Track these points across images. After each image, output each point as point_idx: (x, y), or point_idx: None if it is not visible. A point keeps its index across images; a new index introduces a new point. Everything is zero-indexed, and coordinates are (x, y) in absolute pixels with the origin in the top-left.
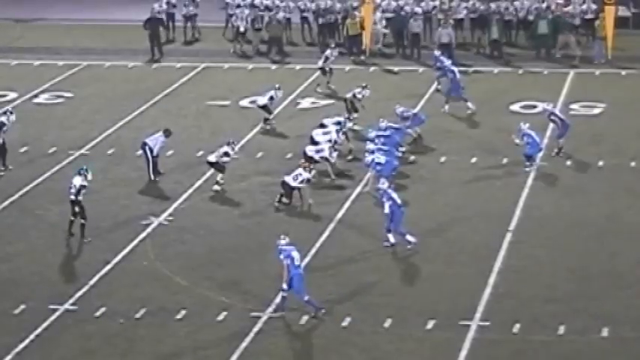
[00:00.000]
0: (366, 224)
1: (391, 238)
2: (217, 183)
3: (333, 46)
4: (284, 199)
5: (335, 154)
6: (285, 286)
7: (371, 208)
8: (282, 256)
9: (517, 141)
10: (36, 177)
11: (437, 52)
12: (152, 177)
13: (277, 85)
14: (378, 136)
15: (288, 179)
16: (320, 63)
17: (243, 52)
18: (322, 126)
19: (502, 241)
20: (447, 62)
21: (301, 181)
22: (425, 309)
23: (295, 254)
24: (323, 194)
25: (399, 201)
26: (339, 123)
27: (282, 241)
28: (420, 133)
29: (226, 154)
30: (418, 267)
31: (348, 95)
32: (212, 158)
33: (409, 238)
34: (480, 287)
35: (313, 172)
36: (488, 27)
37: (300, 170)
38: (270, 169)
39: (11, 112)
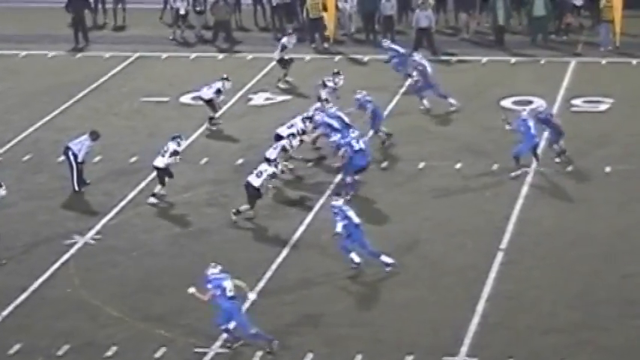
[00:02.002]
0: (331, 243)
1: (355, 258)
2: (154, 195)
3: (290, 32)
4: (243, 208)
5: (295, 141)
6: (220, 321)
7: (334, 224)
8: (210, 286)
9: (508, 127)
10: None
11: (386, 42)
12: (77, 188)
13: (225, 76)
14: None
15: (251, 178)
16: (277, 53)
17: (184, 39)
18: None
19: (492, 262)
20: (402, 50)
21: (266, 178)
22: (402, 342)
23: (227, 284)
24: (280, 208)
25: (356, 220)
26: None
27: (213, 270)
28: (389, 132)
29: (175, 152)
30: (394, 292)
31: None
32: (160, 163)
33: (385, 259)
34: (467, 316)
35: (280, 166)
36: (493, 10)
37: (263, 166)
38: (218, 177)
39: None
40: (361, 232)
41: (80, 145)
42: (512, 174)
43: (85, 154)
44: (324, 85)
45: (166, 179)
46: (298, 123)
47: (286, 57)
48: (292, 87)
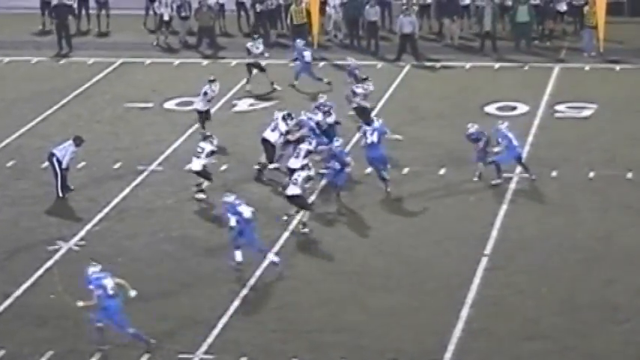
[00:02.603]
0: (315, 247)
1: (238, 256)
2: (202, 190)
3: (255, 36)
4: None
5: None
6: (93, 315)
7: (321, 228)
8: (91, 286)
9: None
10: None
11: (299, 42)
12: (60, 194)
13: (212, 77)
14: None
15: (290, 190)
16: (248, 59)
17: (168, 45)
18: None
19: (476, 268)
20: (309, 60)
21: (302, 183)
22: (385, 348)
23: (108, 282)
24: (266, 214)
25: (247, 215)
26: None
27: (94, 269)
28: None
29: (212, 152)
30: (378, 298)
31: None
32: (196, 166)
33: (272, 258)
34: (451, 322)
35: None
36: (480, 16)
37: (297, 173)
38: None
39: None
40: (251, 228)
41: (64, 150)
42: (493, 182)
43: (69, 159)
44: (355, 94)
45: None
46: (280, 124)
47: (253, 61)
48: (276, 92)
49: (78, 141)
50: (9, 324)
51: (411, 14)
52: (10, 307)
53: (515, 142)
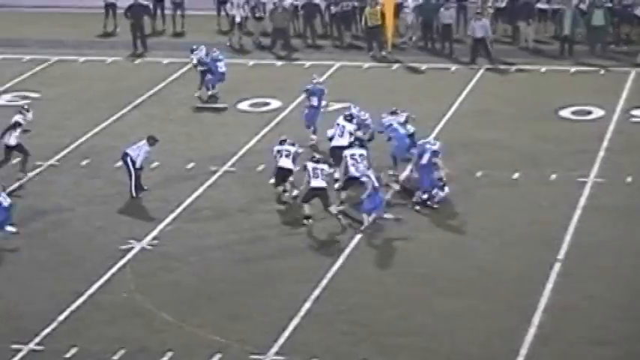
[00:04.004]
0: (384, 251)
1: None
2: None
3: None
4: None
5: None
6: None
7: (392, 231)
8: None
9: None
10: None
11: (215, 53)
12: (134, 194)
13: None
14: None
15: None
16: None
17: (242, 46)
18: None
19: (549, 273)
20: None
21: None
22: (455, 352)
23: None
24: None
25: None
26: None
27: None
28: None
29: (297, 153)
30: (448, 302)
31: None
32: (287, 164)
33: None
34: (522, 327)
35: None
36: (558, 21)
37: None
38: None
39: (27, 110)
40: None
41: (138, 150)
42: (390, 171)
43: (143, 159)
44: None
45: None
46: (347, 126)
47: (200, 68)
48: (349, 94)
49: (152, 140)
50: (81, 322)
51: (482, 18)
52: (82, 305)
53: (401, 132)
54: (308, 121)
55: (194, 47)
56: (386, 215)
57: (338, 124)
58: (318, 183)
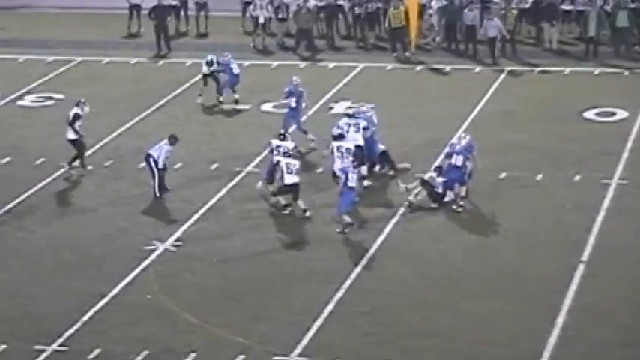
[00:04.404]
0: (409, 251)
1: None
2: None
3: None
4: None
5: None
6: None
7: (415, 233)
8: None
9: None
10: (19, 193)
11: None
12: (158, 194)
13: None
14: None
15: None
16: (205, 68)
17: (265, 47)
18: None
19: (573, 274)
20: (237, 71)
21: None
22: (479, 353)
23: None
24: (360, 217)
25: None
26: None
27: None
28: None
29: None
30: (471, 303)
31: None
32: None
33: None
34: (546, 328)
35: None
36: (583, 22)
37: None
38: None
39: (84, 103)
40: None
41: (159, 150)
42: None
43: (164, 159)
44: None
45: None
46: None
47: (208, 72)
48: (372, 94)
49: (172, 140)
50: (105, 322)
51: (494, 18)
52: (105, 305)
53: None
54: (286, 123)
55: (209, 59)
56: (345, 217)
57: (348, 124)
58: (291, 179)
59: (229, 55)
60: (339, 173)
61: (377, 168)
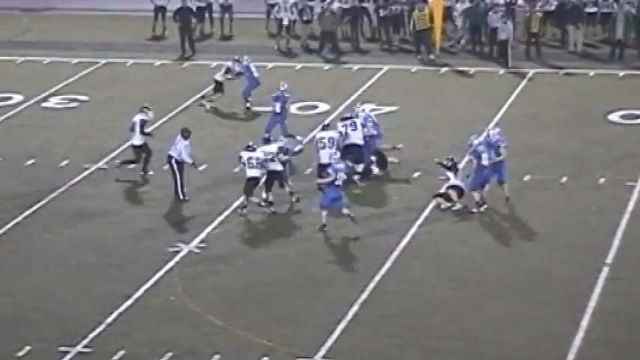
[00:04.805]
0: (433, 254)
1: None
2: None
3: (236, 58)
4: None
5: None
6: None
7: (439, 236)
8: None
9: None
10: (43, 195)
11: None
12: (181, 196)
13: (236, 57)
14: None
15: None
16: (219, 75)
17: (289, 49)
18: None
19: (597, 277)
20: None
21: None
22: (503, 356)
23: None
24: (384, 220)
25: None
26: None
27: None
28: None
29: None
30: (495, 306)
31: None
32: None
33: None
34: (570, 331)
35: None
36: (611, 25)
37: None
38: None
39: (148, 108)
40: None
41: (176, 148)
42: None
43: (187, 154)
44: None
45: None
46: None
47: (221, 79)
48: (397, 98)
49: (186, 133)
50: (129, 324)
51: (506, 21)
52: (130, 307)
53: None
54: (268, 127)
55: (236, 57)
56: (345, 210)
57: (344, 125)
58: (253, 172)
59: (247, 60)
60: (329, 171)
61: (376, 170)
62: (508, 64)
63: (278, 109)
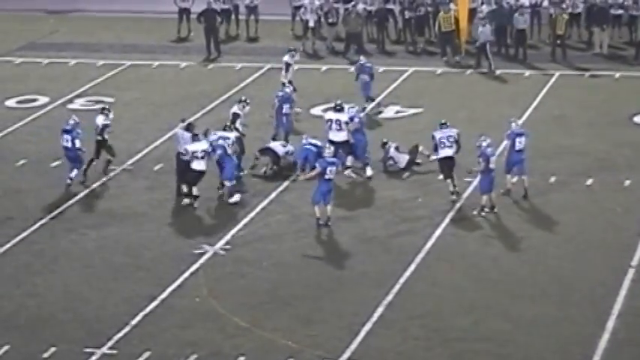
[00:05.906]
0: (458, 255)
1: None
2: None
3: (291, 49)
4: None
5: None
6: None
7: (465, 237)
8: None
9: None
10: (70, 196)
11: (362, 59)
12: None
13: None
14: None
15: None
16: (283, 75)
17: (315, 51)
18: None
19: (623, 279)
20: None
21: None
22: (529, 358)
23: None
24: (409, 221)
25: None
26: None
27: None
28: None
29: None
30: (522, 308)
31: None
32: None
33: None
34: (596, 333)
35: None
36: (635, 27)
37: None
38: (348, 190)
39: (246, 101)
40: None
41: (180, 143)
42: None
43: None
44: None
45: None
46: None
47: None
48: (422, 99)
49: (188, 126)
50: (154, 326)
51: (486, 24)
52: (155, 309)
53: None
54: (287, 128)
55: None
56: (316, 208)
57: (331, 120)
58: (198, 165)
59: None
60: (320, 164)
61: (369, 173)
62: (490, 66)
63: (287, 110)
